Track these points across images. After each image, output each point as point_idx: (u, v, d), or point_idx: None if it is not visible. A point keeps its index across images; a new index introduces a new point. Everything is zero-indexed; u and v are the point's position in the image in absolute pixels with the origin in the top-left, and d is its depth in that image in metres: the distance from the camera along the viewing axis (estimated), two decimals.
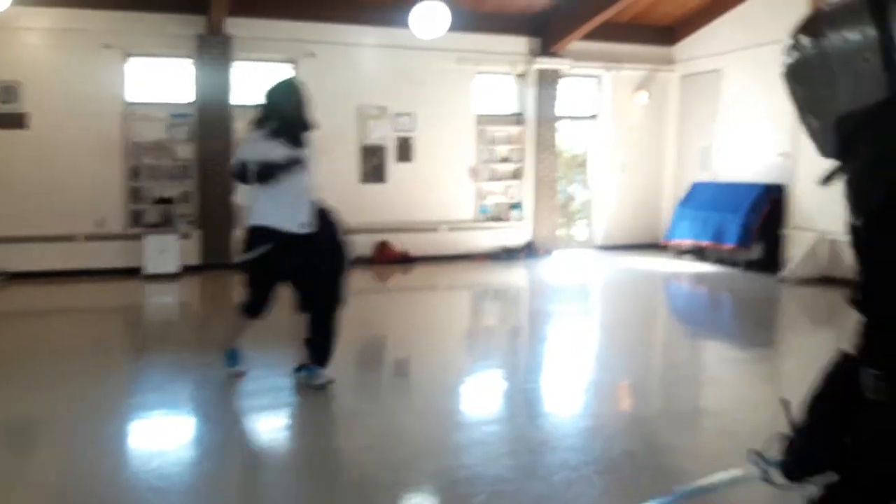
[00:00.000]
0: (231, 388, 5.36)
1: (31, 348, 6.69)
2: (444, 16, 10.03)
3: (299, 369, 5.24)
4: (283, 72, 11.19)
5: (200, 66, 10.84)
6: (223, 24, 10.59)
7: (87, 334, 7.40)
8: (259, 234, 4.96)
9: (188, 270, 10.55)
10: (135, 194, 10.75)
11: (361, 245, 11.53)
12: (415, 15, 10.07)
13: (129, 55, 10.71)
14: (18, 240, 10.15)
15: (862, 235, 1.56)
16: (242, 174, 4.88)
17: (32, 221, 10.19)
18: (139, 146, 10.76)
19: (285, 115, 5.06)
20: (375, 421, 4.76)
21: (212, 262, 10.88)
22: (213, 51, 10.78)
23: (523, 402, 5.42)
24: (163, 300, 9.77)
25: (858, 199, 1.55)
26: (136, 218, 10.75)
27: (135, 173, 10.75)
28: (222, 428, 4.76)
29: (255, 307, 5.17)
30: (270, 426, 4.87)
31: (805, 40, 1.63)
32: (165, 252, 10.21)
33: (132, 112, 10.74)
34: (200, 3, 10.57)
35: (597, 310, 9.71)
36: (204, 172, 10.89)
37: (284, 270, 5.00)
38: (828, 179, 1.64)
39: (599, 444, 4.40)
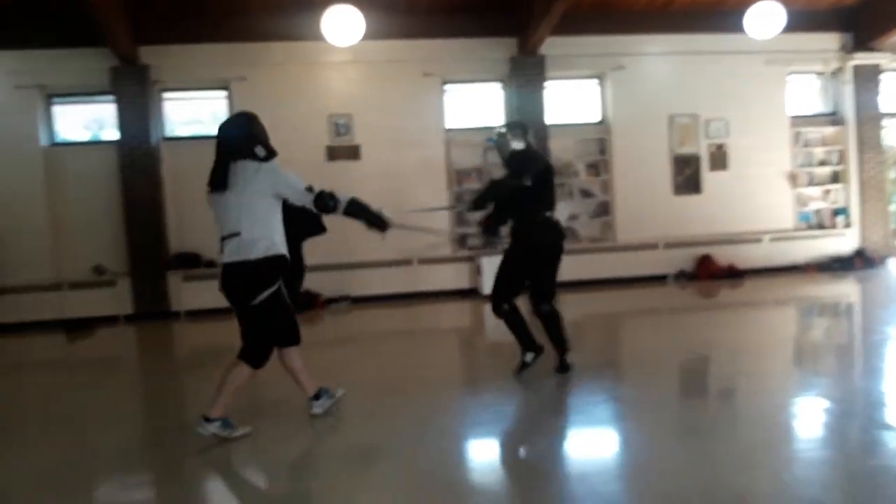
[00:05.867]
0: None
1: (373, 370, 6.54)
2: (780, 15, 9.49)
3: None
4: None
5: (513, 88, 10.82)
6: (540, 44, 10.52)
7: (435, 353, 7.17)
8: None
9: None
10: (459, 218, 10.78)
11: (681, 259, 11.06)
12: (750, 16, 9.58)
13: (446, 82, 10.85)
14: (357, 266, 10.39)
15: None
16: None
17: (369, 248, 10.39)
18: (460, 172, 10.83)
19: None
20: (698, 448, 4.09)
21: None
22: (529, 72, 10.72)
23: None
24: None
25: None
26: (461, 241, 10.79)
27: (458, 198, 10.80)
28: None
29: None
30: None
31: (498, 133, 5.53)
32: None
33: (452, 138, 10.83)
34: (514, 25, 10.62)
35: None
36: None
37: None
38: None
39: None
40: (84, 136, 10.43)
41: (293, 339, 4.64)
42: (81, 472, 4.15)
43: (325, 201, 4.41)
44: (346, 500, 3.54)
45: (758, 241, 11.22)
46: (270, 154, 4.50)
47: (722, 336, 7.43)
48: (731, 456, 3.83)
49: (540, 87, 10.76)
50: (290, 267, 4.53)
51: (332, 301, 10.21)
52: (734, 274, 10.88)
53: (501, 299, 5.60)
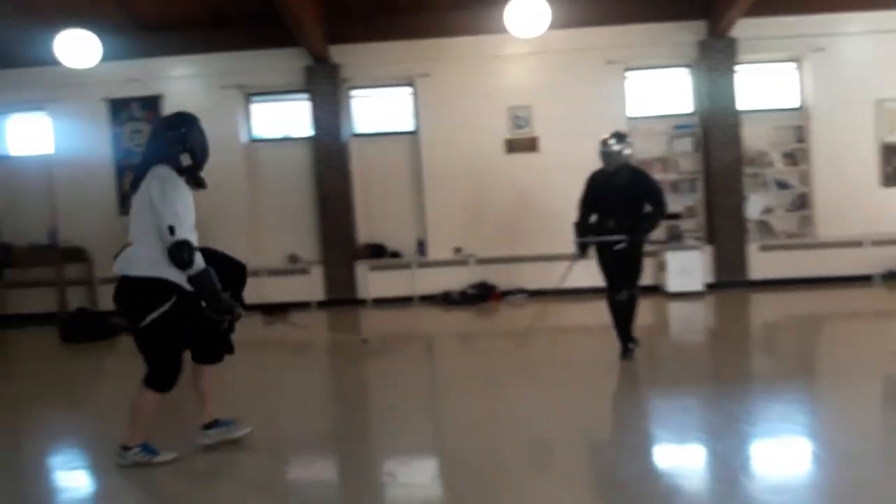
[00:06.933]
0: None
1: (546, 366, 6.49)
2: None
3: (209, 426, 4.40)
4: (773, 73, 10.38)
5: (702, 73, 10.30)
6: (731, 26, 9.94)
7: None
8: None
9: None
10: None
11: (889, 258, 10.16)
12: None
13: (629, 69, 10.51)
14: (534, 259, 10.33)
15: None
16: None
17: (546, 241, 10.30)
18: (642, 161, 10.45)
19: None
20: None
21: (726, 280, 10.21)
22: (718, 55, 10.17)
23: None
24: (691, 320, 9.12)
25: None
26: None
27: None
28: None
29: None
30: None
31: (609, 144, 6.21)
32: (687, 269, 9.71)
33: (635, 127, 10.47)
34: (704, 7, 10.10)
35: None
36: (711, 185, 10.27)
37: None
38: None
39: None
40: (278, 132, 11.03)
41: (210, 356, 4.25)
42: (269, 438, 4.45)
43: (181, 253, 3.79)
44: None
45: None
46: (195, 168, 4.09)
47: None
48: None
49: (731, 72, 10.18)
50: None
51: (507, 294, 10.23)
52: None
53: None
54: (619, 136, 6.27)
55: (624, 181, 6.23)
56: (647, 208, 6.20)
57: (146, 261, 3.85)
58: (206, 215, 10.15)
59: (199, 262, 3.82)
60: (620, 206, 6.25)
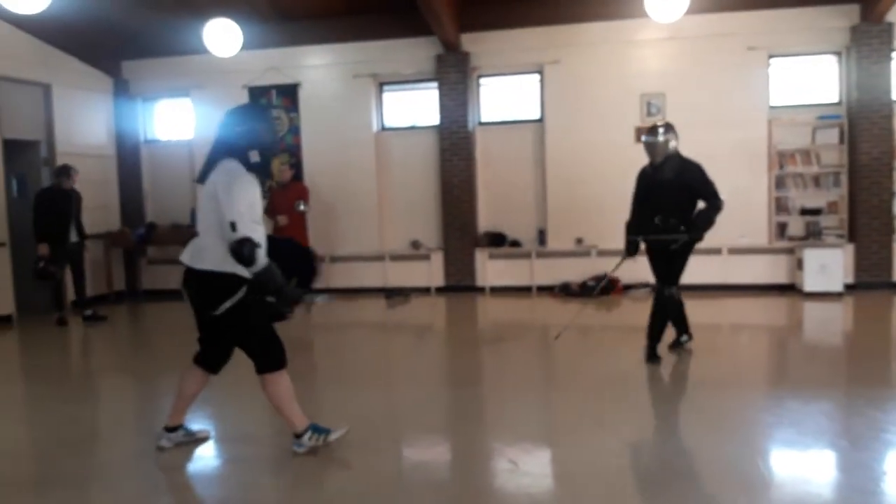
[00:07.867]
0: None
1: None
2: None
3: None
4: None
5: (852, 61, 9.64)
6: (888, 10, 9.25)
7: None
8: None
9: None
10: (779, 205, 9.96)
11: None
12: None
13: (772, 56, 9.98)
14: None
15: None
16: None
17: None
18: (783, 153, 9.95)
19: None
20: None
21: (867, 281, 9.56)
22: (872, 41, 9.49)
23: None
24: (829, 322, 8.55)
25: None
26: (780, 230, 9.97)
27: (779, 182, 9.97)
28: None
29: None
30: None
31: (655, 132, 5.94)
32: (826, 268, 9.16)
33: (776, 117, 9.96)
34: None
35: None
36: (857, 180, 9.62)
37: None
38: None
39: None
40: (406, 121, 11.17)
41: (272, 362, 3.99)
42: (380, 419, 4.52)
43: (242, 250, 3.64)
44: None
45: None
46: (263, 165, 3.95)
47: None
48: None
49: (886, 59, 9.48)
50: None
51: (630, 287, 9.98)
52: None
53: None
54: (668, 126, 6.00)
55: (671, 174, 5.92)
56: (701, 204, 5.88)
57: (215, 255, 3.79)
58: (336, 201, 10.72)
59: (261, 258, 3.71)
60: (667, 200, 5.93)
